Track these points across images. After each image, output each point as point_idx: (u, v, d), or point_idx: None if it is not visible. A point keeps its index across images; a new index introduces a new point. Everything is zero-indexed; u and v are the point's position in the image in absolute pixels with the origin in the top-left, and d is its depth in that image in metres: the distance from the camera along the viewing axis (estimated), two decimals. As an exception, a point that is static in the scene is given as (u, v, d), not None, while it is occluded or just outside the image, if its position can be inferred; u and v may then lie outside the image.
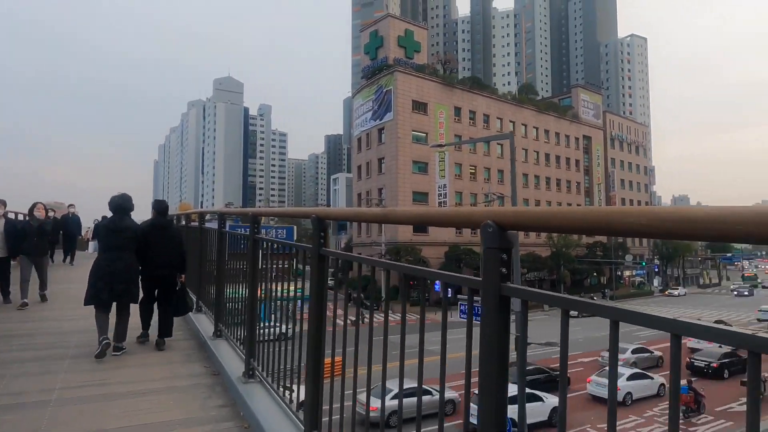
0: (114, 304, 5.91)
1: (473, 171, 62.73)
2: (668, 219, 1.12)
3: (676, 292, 74.23)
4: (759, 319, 47.72)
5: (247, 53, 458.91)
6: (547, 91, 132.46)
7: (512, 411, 1.70)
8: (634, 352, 29.52)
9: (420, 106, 58.90)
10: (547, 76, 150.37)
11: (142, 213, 8.45)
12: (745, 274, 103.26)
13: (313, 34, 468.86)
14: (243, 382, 4.33)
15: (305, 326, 3.13)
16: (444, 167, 59.06)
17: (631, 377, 23.29)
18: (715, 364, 26.25)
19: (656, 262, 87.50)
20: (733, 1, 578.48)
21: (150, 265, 6.28)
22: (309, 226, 3.72)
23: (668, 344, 1.21)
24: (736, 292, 74.75)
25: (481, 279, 1.65)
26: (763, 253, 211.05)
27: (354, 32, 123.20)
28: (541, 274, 66.53)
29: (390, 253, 52.19)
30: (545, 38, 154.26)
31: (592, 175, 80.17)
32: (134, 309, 6.24)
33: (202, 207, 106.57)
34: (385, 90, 59.30)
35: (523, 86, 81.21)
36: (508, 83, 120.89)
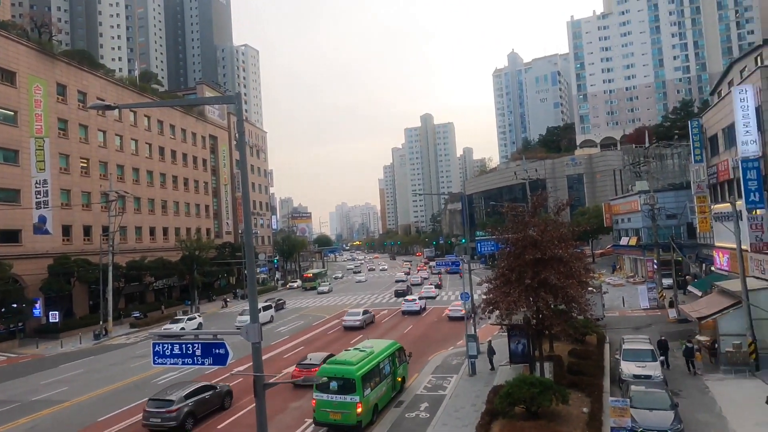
0: None
1: (85, 164, 51.80)
2: None
3: (295, 285, 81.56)
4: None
5: None
6: (164, 86, 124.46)
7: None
8: None
9: (5, 76, 44.30)
10: (162, 69, 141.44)
11: None
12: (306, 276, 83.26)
13: None
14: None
15: None
16: (44, 158, 46.38)
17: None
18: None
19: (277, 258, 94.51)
20: (329, 33, 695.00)
21: None
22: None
23: None
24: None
25: None
26: (347, 246, 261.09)
27: None
28: (172, 281, 61.19)
29: (-42, 274, 37.03)
30: (160, 29, 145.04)
31: (219, 175, 79.54)
32: None
33: None
34: (-58, 43, 41.95)
35: (146, 73, 73.06)
36: (120, 69, 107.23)
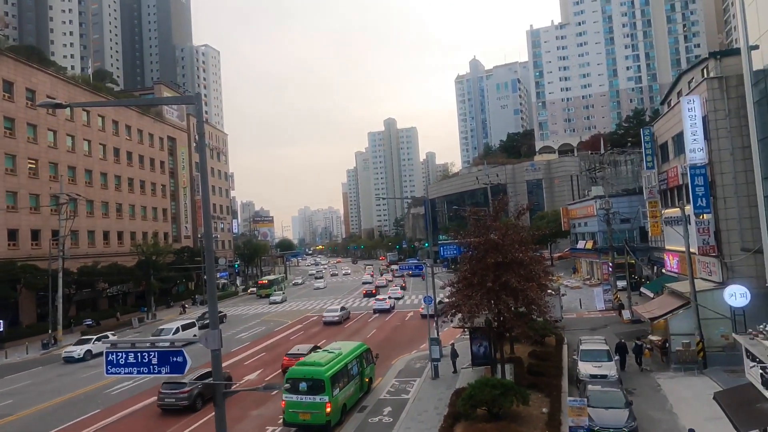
0: None
1: (34, 165, 49.43)
2: None
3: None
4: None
5: None
6: (119, 85, 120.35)
7: None
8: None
9: (-55, 70, 41.86)
10: (118, 68, 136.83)
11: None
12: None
13: None
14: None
15: None
16: (-12, 158, 44.02)
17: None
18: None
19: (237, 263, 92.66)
20: (293, 36, 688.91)
21: None
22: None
23: None
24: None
25: None
26: (309, 250, 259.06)
27: None
28: (127, 287, 59.05)
29: None
30: (116, 26, 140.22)
31: (178, 178, 77.45)
32: None
33: None
34: None
35: (100, 72, 70.50)
36: (72, 67, 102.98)
